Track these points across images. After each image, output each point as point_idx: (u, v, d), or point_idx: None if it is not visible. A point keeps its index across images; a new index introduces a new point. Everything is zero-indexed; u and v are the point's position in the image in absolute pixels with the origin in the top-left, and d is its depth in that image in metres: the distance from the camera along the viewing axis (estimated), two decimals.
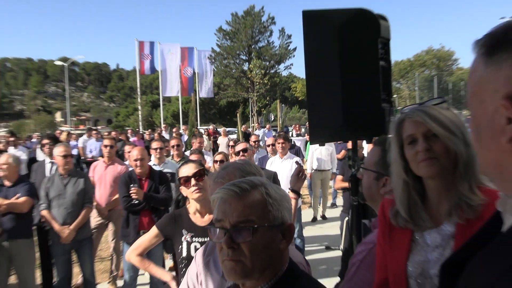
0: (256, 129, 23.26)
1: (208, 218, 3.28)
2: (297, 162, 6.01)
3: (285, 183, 6.75)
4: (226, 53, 48.07)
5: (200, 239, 3.20)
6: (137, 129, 32.86)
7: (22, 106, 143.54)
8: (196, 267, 2.28)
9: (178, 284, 3.22)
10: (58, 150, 6.11)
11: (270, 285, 1.53)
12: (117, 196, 6.99)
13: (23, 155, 12.74)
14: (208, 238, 3.18)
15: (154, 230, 3.39)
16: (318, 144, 11.79)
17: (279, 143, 7.65)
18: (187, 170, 3.24)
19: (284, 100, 69.89)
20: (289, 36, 48.39)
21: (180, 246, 3.21)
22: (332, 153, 11.47)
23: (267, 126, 23.86)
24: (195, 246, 3.17)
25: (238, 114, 19.11)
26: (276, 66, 47.64)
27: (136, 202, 5.76)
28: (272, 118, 42.67)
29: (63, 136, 15.64)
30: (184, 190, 3.28)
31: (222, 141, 17.64)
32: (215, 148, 18.41)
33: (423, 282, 1.74)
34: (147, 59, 36.80)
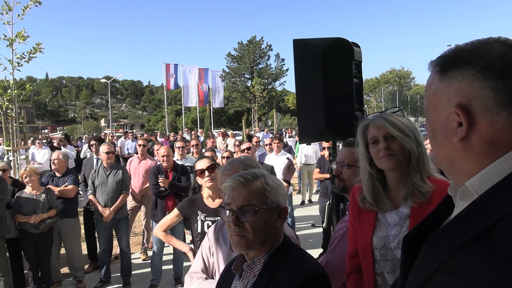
0: (257, 132, 23.23)
1: (218, 202, 3.25)
2: (288, 158, 5.97)
3: (279, 175, 6.74)
4: (233, 73, 48.12)
5: (211, 218, 3.17)
6: (164, 132, 32.76)
7: (74, 114, 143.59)
8: (208, 241, 2.25)
9: (194, 254, 3.19)
10: (103, 148, 6.10)
11: (269, 254, 1.53)
12: (147, 184, 6.97)
13: (71, 152, 12.79)
14: (217, 218, 3.16)
15: (175, 211, 3.36)
16: (305, 144, 11.82)
17: (275, 143, 7.65)
18: (202, 164, 3.22)
19: (279, 109, 69.80)
20: (283, 60, 48.57)
21: (196, 224, 3.19)
22: (317, 151, 11.48)
23: (266, 130, 23.85)
24: (208, 224, 3.14)
25: (243, 121, 19.10)
26: (273, 83, 47.68)
27: (163, 189, 5.74)
28: (270, 124, 42.63)
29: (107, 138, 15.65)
30: (199, 180, 3.25)
31: (230, 141, 17.58)
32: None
33: (384, 253, 1.75)
34: (172, 77, 36.77)
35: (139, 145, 7.45)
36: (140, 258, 7.09)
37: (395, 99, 73.45)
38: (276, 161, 7.46)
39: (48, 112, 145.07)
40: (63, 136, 15.89)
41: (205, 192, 3.29)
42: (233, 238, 1.53)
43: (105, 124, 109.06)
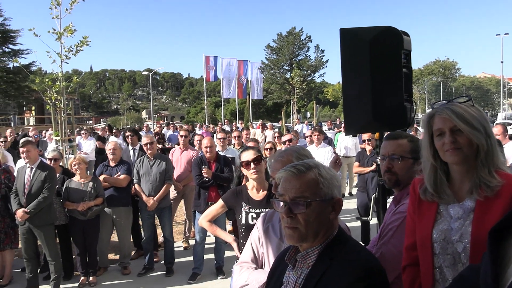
0: (296, 124, 23.10)
1: (262, 194, 3.24)
2: (335, 152, 5.89)
3: None
4: (272, 64, 47.97)
5: (255, 210, 3.16)
6: (204, 124, 33.08)
7: (117, 105, 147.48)
8: (258, 232, 2.25)
9: (238, 245, 3.21)
10: (144, 140, 6.23)
11: (324, 245, 1.51)
12: (189, 175, 7.07)
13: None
14: (262, 210, 3.16)
15: (220, 202, 3.38)
16: (346, 136, 11.64)
17: (315, 135, 7.57)
18: (248, 155, 3.21)
19: (318, 101, 69.17)
20: (322, 51, 47.89)
21: (240, 215, 3.19)
22: (356, 144, 11.32)
23: (305, 122, 23.65)
24: (252, 216, 3.14)
25: (282, 112, 18.94)
26: (312, 74, 47.20)
27: (206, 179, 5.81)
28: (309, 116, 42.28)
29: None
30: (244, 171, 3.26)
31: (268, 133, 17.55)
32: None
33: (445, 246, 1.68)
34: (211, 69, 37.07)
35: (181, 136, 7.56)
36: (181, 246, 7.22)
37: (439, 90, 71.33)
38: (316, 153, 7.35)
39: (92, 104, 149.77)
40: (106, 127, 16.35)
41: (250, 184, 3.29)
42: (286, 230, 1.53)
43: (146, 116, 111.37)
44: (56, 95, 8.32)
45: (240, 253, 3.13)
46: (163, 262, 6.34)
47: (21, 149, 5.46)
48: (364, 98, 2.94)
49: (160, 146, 12.00)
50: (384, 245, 2.07)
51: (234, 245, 3.19)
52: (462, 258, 1.63)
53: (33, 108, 37.90)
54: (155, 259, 6.42)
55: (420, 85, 77.19)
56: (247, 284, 2.10)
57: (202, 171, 5.77)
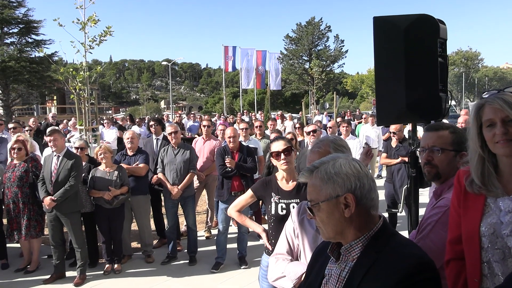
0: (315, 115, 22.95)
1: (292, 184, 3.21)
2: (366, 144, 5.78)
3: None
4: (291, 55, 47.56)
5: (285, 201, 3.13)
6: (222, 114, 33.14)
7: (136, 95, 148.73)
8: (293, 223, 2.22)
9: (267, 234, 3.19)
10: (169, 129, 6.25)
11: (368, 238, 1.46)
12: (212, 164, 7.09)
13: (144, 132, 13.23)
14: (291, 200, 3.13)
15: (249, 192, 3.36)
16: (368, 127, 11.49)
17: (343, 127, 7.44)
18: (278, 146, 3.17)
19: (336, 92, 68.66)
20: (342, 41, 47.22)
21: (270, 206, 3.17)
22: (379, 135, 11.18)
23: (325, 113, 23.49)
24: (282, 206, 3.11)
25: (302, 103, 18.79)
26: (331, 65, 46.72)
27: (229, 169, 5.80)
28: (327, 106, 41.96)
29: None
30: (274, 161, 3.22)
31: (288, 123, 17.47)
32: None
33: (494, 241, 1.62)
34: (230, 60, 37.08)
35: (204, 126, 7.55)
36: (204, 236, 7.25)
37: (461, 81, 69.97)
38: None
39: (112, 94, 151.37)
40: (127, 117, 16.50)
41: (280, 174, 3.26)
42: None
43: (165, 106, 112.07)
44: (80, 84, 8.42)
45: (270, 244, 3.12)
46: (185, 251, 6.38)
47: (48, 138, 5.53)
48: (398, 88, 2.87)
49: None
50: (422, 239, 2.02)
51: (263, 235, 3.17)
52: None
53: (55, 97, 38.47)
54: (178, 248, 6.47)
55: None
56: (284, 276, 2.08)
57: (226, 161, 5.77)
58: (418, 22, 2.84)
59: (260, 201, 3.47)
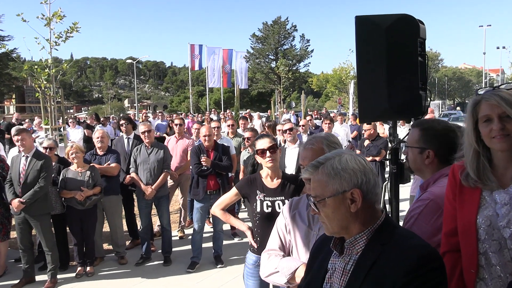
0: (283, 113, 23.12)
1: (277, 182, 3.23)
2: (349, 141, 5.85)
3: None
4: (258, 53, 47.77)
5: (270, 198, 3.15)
6: (189, 113, 32.83)
7: (98, 94, 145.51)
8: (284, 219, 2.23)
9: (252, 233, 3.20)
10: (142, 128, 6.15)
11: (371, 231, 1.48)
12: (185, 163, 7.02)
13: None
14: (276, 198, 3.15)
15: (234, 190, 3.34)
16: (337, 126, 11.65)
17: (326, 123, 7.46)
18: (263, 143, 3.17)
19: (302, 91, 69.35)
20: (308, 41, 47.88)
21: (255, 204, 3.18)
22: (348, 133, 11.44)
23: (291, 112, 23.71)
24: (267, 204, 3.13)
25: (272, 102, 18.90)
26: (297, 64, 47.19)
27: (205, 168, 5.76)
28: (294, 105, 42.38)
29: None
30: (259, 159, 3.22)
31: (256, 122, 17.52)
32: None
33: (490, 232, 1.68)
34: (196, 58, 36.86)
35: (176, 125, 7.48)
36: (177, 236, 7.17)
37: None
38: None
39: (73, 92, 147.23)
40: (93, 116, 16.12)
41: (264, 172, 3.27)
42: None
43: (129, 105, 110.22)
44: (45, 82, 8.18)
45: (255, 241, 3.13)
46: (159, 251, 6.30)
47: (15, 137, 5.33)
48: (379, 86, 2.92)
49: None
50: None
51: (248, 233, 3.18)
52: (508, 244, 1.63)
53: (13, 96, 37.15)
54: (152, 249, 6.38)
55: None
56: (277, 271, 2.08)
57: (201, 160, 5.72)
58: (399, 22, 2.90)
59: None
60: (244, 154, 6.21)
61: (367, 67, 3.02)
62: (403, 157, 2.67)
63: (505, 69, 64.84)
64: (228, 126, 7.75)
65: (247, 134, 6.25)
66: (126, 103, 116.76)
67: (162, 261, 6.08)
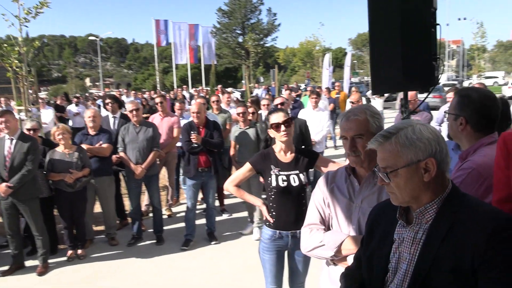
0: (255, 88, 22.99)
1: (290, 156, 3.21)
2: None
3: (315, 130, 6.72)
4: (224, 28, 47.08)
5: (285, 173, 3.13)
6: (158, 90, 32.10)
7: (58, 73, 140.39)
8: (322, 193, 2.20)
9: (267, 207, 3.18)
10: (129, 106, 5.98)
11: (441, 200, 1.47)
12: (171, 141, 6.90)
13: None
14: (291, 172, 3.13)
15: (247, 166, 3.30)
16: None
17: (312, 98, 7.39)
18: (278, 117, 3.12)
19: (268, 65, 68.86)
20: (275, 14, 47.51)
21: (270, 178, 3.15)
22: (326, 106, 11.52)
23: (264, 86, 23.59)
24: (282, 178, 3.11)
25: (246, 77, 18.70)
26: (265, 38, 46.85)
27: (196, 145, 5.67)
28: (262, 80, 42.20)
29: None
30: (273, 133, 3.18)
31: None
32: None
33: None
34: (162, 34, 35.93)
35: (157, 103, 7.29)
36: (165, 215, 7.09)
37: None
38: (314, 116, 7.23)
39: (31, 72, 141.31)
40: (63, 95, 15.58)
41: (277, 146, 3.23)
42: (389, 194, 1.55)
43: (91, 84, 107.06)
44: (16, 61, 7.84)
45: (270, 216, 3.12)
46: (150, 230, 6.23)
47: None
48: (393, 57, 2.92)
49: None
50: None
51: (263, 208, 3.16)
52: None
53: None
54: (142, 228, 6.29)
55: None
56: (323, 245, 2.08)
57: (191, 137, 5.62)
58: None
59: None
60: (236, 130, 6.12)
61: (381, 38, 3.00)
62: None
63: (465, 40, 66.35)
64: (213, 102, 7.62)
65: (239, 110, 6.13)
66: (88, 81, 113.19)
67: (154, 241, 6.03)
